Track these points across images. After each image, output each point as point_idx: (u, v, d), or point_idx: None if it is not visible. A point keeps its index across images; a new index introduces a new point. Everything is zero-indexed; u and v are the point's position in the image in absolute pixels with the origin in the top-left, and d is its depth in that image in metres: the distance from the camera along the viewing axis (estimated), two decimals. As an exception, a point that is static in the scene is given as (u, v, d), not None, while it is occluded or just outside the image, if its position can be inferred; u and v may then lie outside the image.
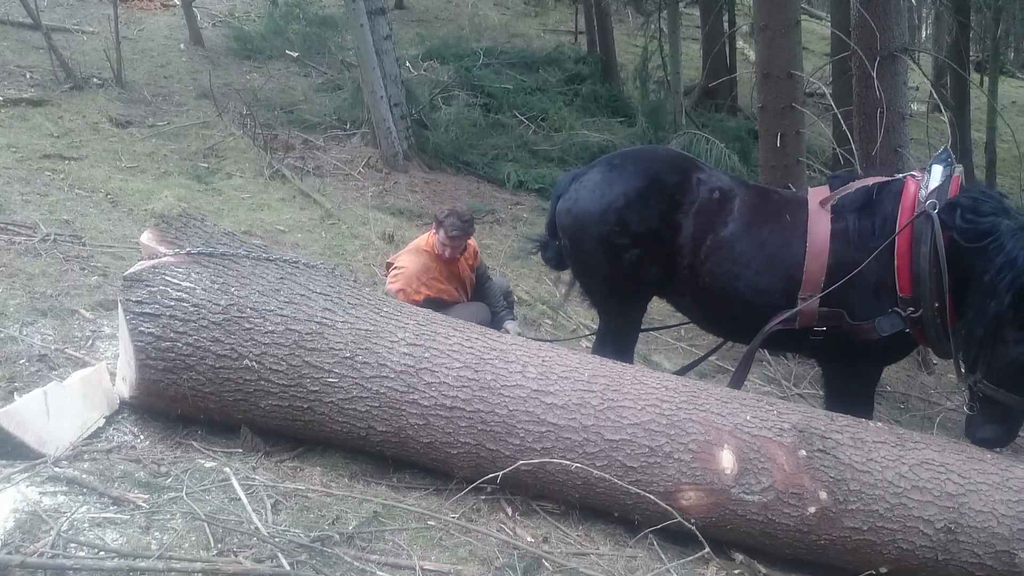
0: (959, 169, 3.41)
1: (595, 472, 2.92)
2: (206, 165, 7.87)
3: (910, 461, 2.90)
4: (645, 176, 3.63)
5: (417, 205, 8.13)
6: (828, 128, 9.68)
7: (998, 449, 3.18)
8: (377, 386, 3.01)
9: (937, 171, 3.35)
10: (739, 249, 3.51)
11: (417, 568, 2.61)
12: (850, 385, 3.61)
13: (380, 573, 2.57)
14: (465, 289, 4.71)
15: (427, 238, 4.61)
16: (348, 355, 3.03)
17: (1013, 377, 3.08)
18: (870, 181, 3.54)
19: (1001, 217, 3.19)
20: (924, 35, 26.49)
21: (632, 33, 16.37)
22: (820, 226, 3.43)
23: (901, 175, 3.52)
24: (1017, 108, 23.77)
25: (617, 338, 3.90)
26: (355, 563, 2.56)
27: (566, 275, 4.21)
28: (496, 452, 2.99)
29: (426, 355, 3.06)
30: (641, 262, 3.61)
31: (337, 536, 2.68)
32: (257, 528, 2.60)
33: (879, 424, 3.18)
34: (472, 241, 4.69)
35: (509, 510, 3.08)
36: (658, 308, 4.35)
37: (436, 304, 4.26)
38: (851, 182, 3.56)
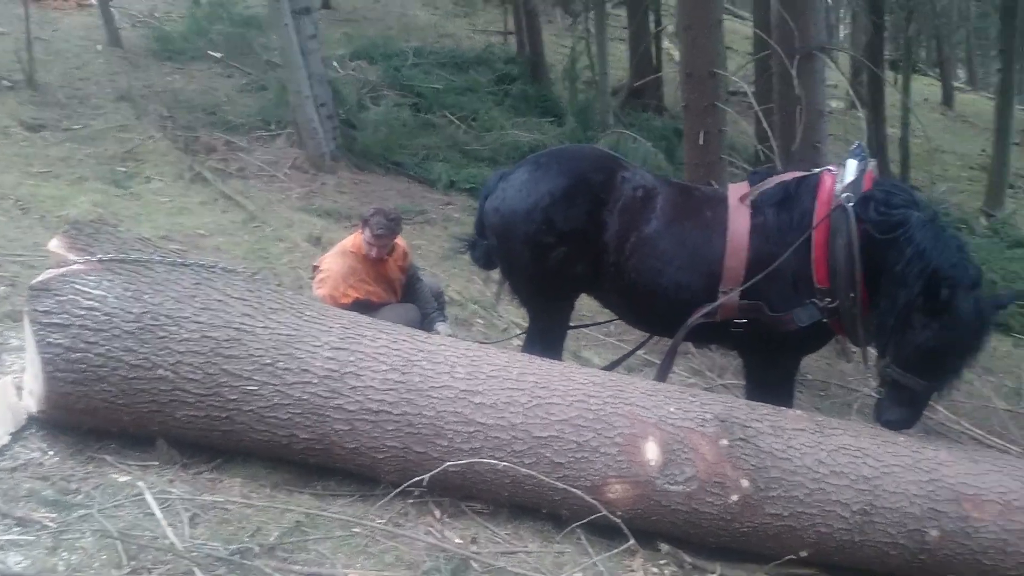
0: (872, 163, 3.53)
1: (523, 470, 2.92)
2: (124, 169, 7.62)
3: (828, 447, 2.99)
4: (571, 175, 3.66)
5: (345, 206, 8.03)
6: (751, 126, 9.93)
7: (909, 431, 3.29)
8: (300, 392, 2.95)
9: (852, 165, 3.46)
10: (662, 246, 3.57)
11: (342, 576, 2.57)
12: (770, 375, 3.70)
13: (302, 585, 2.53)
14: (394, 290, 4.66)
15: (353, 239, 4.54)
16: (269, 361, 2.96)
17: (919, 362, 3.19)
18: (788, 176, 3.63)
19: (912, 209, 3.31)
20: (842, 34, 27.39)
21: (561, 33, 16.50)
22: (739, 222, 3.50)
23: (817, 170, 3.62)
24: (929, 105, 24.79)
25: (546, 336, 3.92)
26: (276, 574, 2.50)
27: (496, 274, 4.21)
28: (424, 455, 2.96)
29: (351, 359, 3.01)
30: (567, 260, 3.64)
31: (257, 548, 2.61)
32: (172, 543, 2.52)
33: (798, 412, 3.27)
34: (401, 241, 4.64)
35: (437, 512, 3.05)
36: (588, 305, 4.38)
37: (364, 307, 4.20)
38: (769, 178, 3.65)
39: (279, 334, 3.03)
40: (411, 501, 3.05)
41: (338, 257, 4.48)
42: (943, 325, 3.11)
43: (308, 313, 3.17)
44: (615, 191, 3.62)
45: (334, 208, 7.92)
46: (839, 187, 3.40)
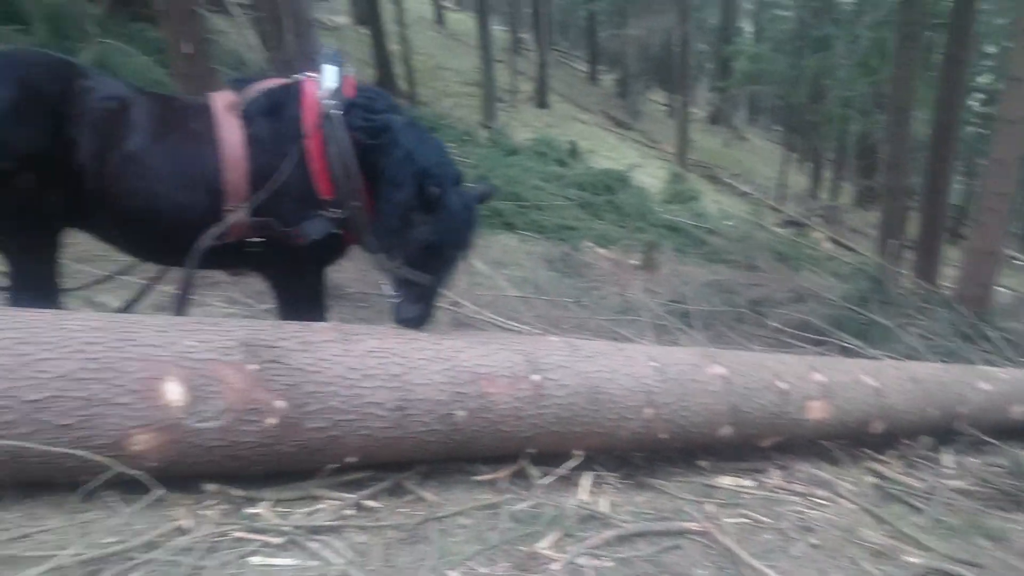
0: (352, 70, 3.52)
1: (14, 443, 2.42)
2: None
3: (356, 352, 3.03)
4: (18, 86, 3.01)
5: None
6: (256, 41, 9.54)
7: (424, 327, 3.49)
8: None
9: (330, 72, 3.38)
10: (151, 164, 3.18)
11: None
12: (296, 292, 3.61)
13: None
14: None
15: None
16: None
17: (422, 258, 3.35)
18: (270, 84, 3.46)
19: (392, 114, 3.40)
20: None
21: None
22: (231, 133, 3.26)
23: (297, 76, 3.50)
24: (425, 23, 26.73)
25: (34, 281, 3.27)
26: None
27: None
28: None
29: None
30: (37, 189, 3.04)
31: None
32: None
33: (325, 324, 3.26)
34: None
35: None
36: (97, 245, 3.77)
37: None
38: (252, 85, 3.44)
39: None
40: None
41: None
42: (438, 220, 3.29)
43: None
44: (79, 103, 3.09)
45: None
46: (322, 94, 3.34)
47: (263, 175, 3.26)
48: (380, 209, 3.35)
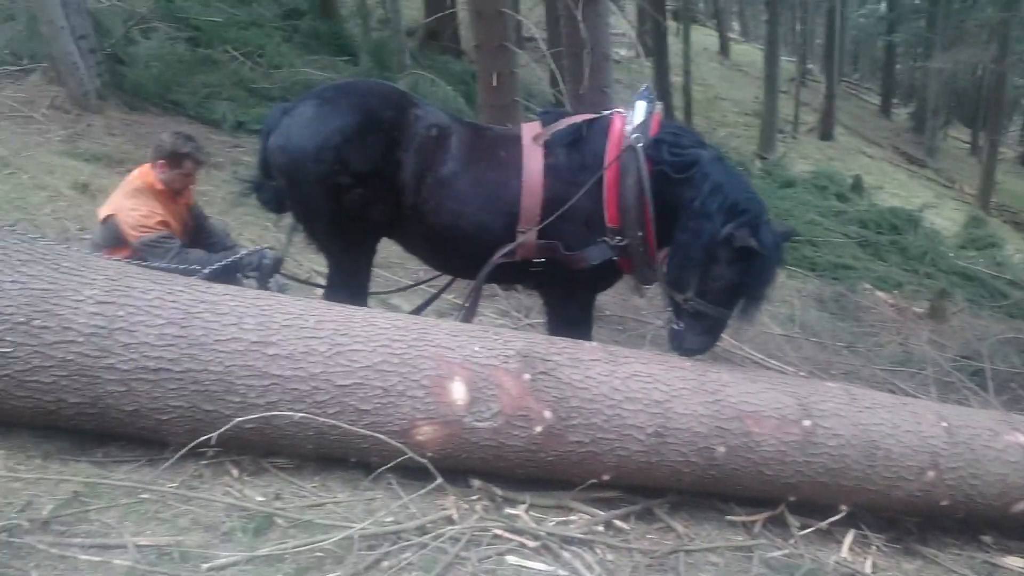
0: (659, 106, 3.64)
1: (325, 420, 2.80)
2: None
3: (622, 375, 3.11)
4: (361, 111, 3.48)
5: (117, 149, 7.26)
6: (545, 72, 10.09)
7: (698, 357, 3.51)
8: (63, 353, 2.62)
9: (640, 107, 3.55)
10: (459, 187, 3.50)
11: (130, 545, 2.36)
12: (568, 311, 3.79)
13: (84, 557, 2.29)
14: (186, 231, 4.28)
15: (140, 177, 4.10)
16: (23, 319, 2.60)
17: (724, 293, 3.38)
18: (579, 118, 3.66)
19: (699, 148, 3.47)
20: (627, -17, 28.42)
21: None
22: (534, 161, 3.51)
23: (607, 112, 3.68)
24: (708, 55, 26.49)
25: (349, 281, 3.75)
26: (52, 550, 2.26)
27: (288, 219, 3.95)
28: (214, 413, 2.75)
29: (120, 313, 2.71)
30: (365, 202, 3.48)
31: (27, 523, 2.35)
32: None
33: (594, 344, 3.38)
34: None
35: (236, 472, 2.87)
36: (395, 252, 4.25)
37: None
38: (560, 119, 3.66)
39: (32, 289, 2.67)
40: (205, 462, 2.85)
41: (131, 199, 4.01)
42: (747, 257, 3.29)
43: (65, 265, 2.82)
44: (408, 129, 3.49)
45: (103, 152, 7.13)
46: (628, 128, 3.48)
47: (556, 201, 3.47)
48: (681, 241, 3.41)
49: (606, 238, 3.49)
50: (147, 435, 2.82)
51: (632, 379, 3.12)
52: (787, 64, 27.15)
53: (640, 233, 3.45)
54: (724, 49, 28.47)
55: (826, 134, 23.24)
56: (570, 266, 3.53)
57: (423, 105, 3.65)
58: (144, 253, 3.92)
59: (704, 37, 27.58)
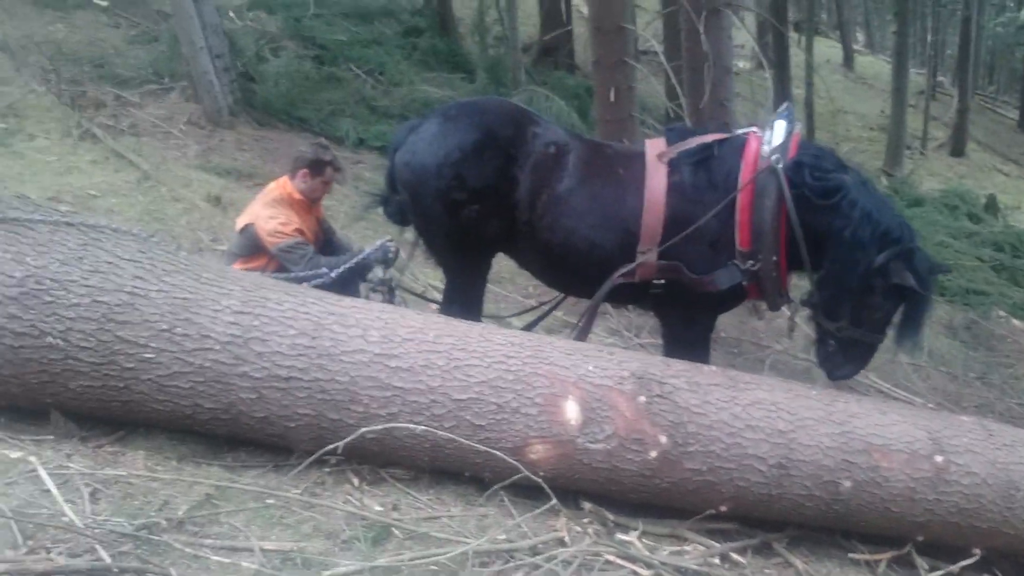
0: (799, 126, 3.53)
1: (443, 434, 2.84)
2: (4, 126, 7.04)
3: (743, 401, 3.02)
4: (480, 129, 3.55)
5: (247, 164, 7.66)
6: (661, 85, 9.97)
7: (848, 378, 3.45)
8: (201, 360, 2.77)
9: (780, 127, 3.43)
10: (575, 204, 3.49)
11: (256, 549, 2.44)
12: (687, 334, 3.71)
13: (215, 558, 2.39)
14: (318, 242, 4.46)
15: (279, 188, 4.31)
16: (166, 327, 2.77)
17: (880, 321, 3.31)
18: (710, 137, 3.57)
19: (842, 172, 3.35)
20: (746, -5, 27.82)
21: (469, -15, 16.13)
22: (657, 180, 3.46)
23: (742, 131, 3.59)
24: (831, 66, 25.60)
25: (464, 295, 3.82)
26: (187, 549, 2.37)
27: (410, 233, 4.07)
28: (339, 422, 2.84)
29: (255, 323, 2.84)
30: (481, 217, 3.54)
31: (165, 523, 2.47)
32: (71, 520, 2.35)
33: (713, 367, 3.29)
34: None
35: (356, 480, 2.95)
36: (507, 267, 4.31)
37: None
38: (687, 136, 3.59)
39: (175, 298, 2.83)
40: (328, 470, 2.94)
41: (269, 208, 4.22)
42: (905, 299, 3.24)
43: (206, 276, 2.98)
44: (526, 146, 3.52)
45: (234, 166, 7.54)
46: (766, 149, 3.38)
47: (679, 222, 3.41)
48: (834, 272, 3.32)
49: (736, 261, 3.40)
50: (275, 441, 2.94)
51: (754, 406, 3.02)
52: (916, 76, 25.88)
53: (774, 258, 3.35)
54: (848, 61, 27.41)
55: (957, 150, 21.95)
56: (695, 289, 3.46)
57: (543, 123, 3.68)
58: (280, 258, 4.11)
59: (828, 48, 26.65)
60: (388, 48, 11.58)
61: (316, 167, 4.26)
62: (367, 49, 11.26)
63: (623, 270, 3.46)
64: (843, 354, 3.39)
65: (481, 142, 3.51)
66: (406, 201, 3.70)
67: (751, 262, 3.37)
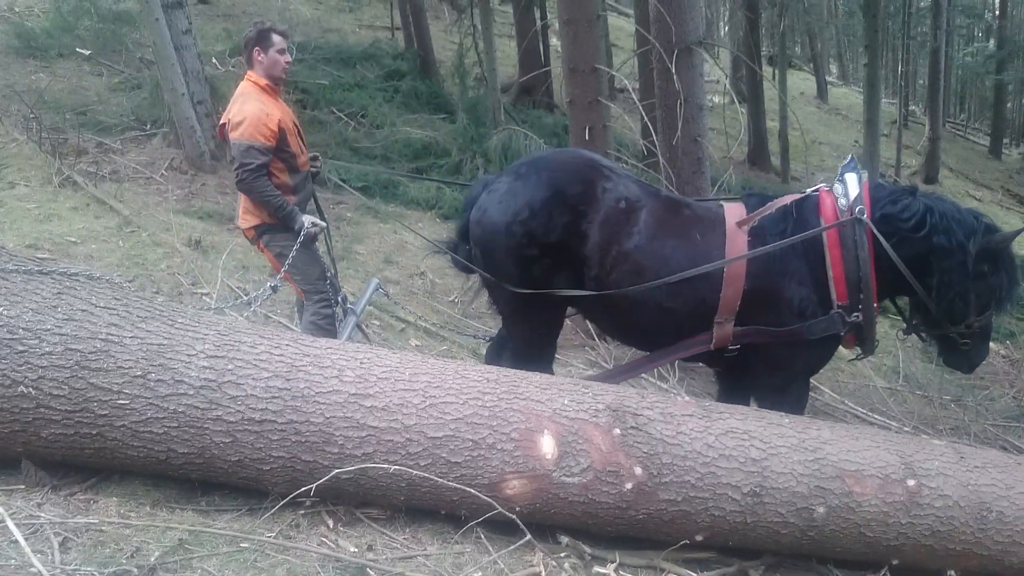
0: (865, 174, 3.62)
1: (417, 472, 2.85)
2: (-17, 174, 7.07)
3: (716, 431, 3.05)
4: (549, 186, 3.56)
5: (228, 207, 7.69)
6: (635, 123, 10.13)
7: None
8: (175, 405, 2.78)
9: (852, 179, 3.52)
10: (644, 263, 3.49)
11: (230, 595, 2.44)
12: (784, 403, 3.56)
13: (187, 606, 2.39)
14: (300, 135, 4.36)
15: (245, 82, 4.15)
16: (140, 373, 2.78)
17: (1001, 297, 3.50)
18: (785, 199, 3.60)
19: (909, 197, 3.49)
20: (723, 31, 28.43)
21: (448, 29, 16.41)
22: (737, 250, 3.47)
23: (810, 190, 3.64)
24: (804, 99, 26.03)
25: (539, 351, 3.86)
26: (158, 598, 2.37)
27: (472, 281, 4.16)
28: (313, 463, 2.85)
29: (229, 367, 2.86)
30: (551, 272, 3.58)
31: (136, 570, 2.47)
32: (39, 572, 2.33)
33: (687, 398, 3.33)
34: None
35: (331, 522, 2.95)
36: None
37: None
38: (766, 202, 3.62)
39: (149, 344, 2.85)
40: (302, 512, 2.94)
41: (244, 102, 4.04)
42: (998, 256, 3.44)
43: (180, 320, 3.00)
44: (595, 202, 3.53)
45: (216, 209, 7.58)
46: (844, 202, 3.46)
47: (761, 290, 3.45)
48: (943, 281, 3.41)
49: (841, 311, 3.44)
50: (249, 484, 2.94)
51: (727, 435, 3.05)
52: (888, 107, 26.37)
53: (874, 305, 3.44)
54: (822, 93, 27.91)
55: (930, 177, 22.28)
56: (786, 341, 3.48)
57: (615, 176, 3.65)
58: (234, 153, 3.99)
59: (802, 81, 27.12)
60: (370, 91, 11.73)
61: (263, 39, 4.09)
62: (349, 92, 11.41)
63: (697, 344, 3.53)
64: (978, 342, 3.58)
65: (550, 199, 3.53)
66: (477, 256, 3.76)
67: (856, 314, 3.43)
